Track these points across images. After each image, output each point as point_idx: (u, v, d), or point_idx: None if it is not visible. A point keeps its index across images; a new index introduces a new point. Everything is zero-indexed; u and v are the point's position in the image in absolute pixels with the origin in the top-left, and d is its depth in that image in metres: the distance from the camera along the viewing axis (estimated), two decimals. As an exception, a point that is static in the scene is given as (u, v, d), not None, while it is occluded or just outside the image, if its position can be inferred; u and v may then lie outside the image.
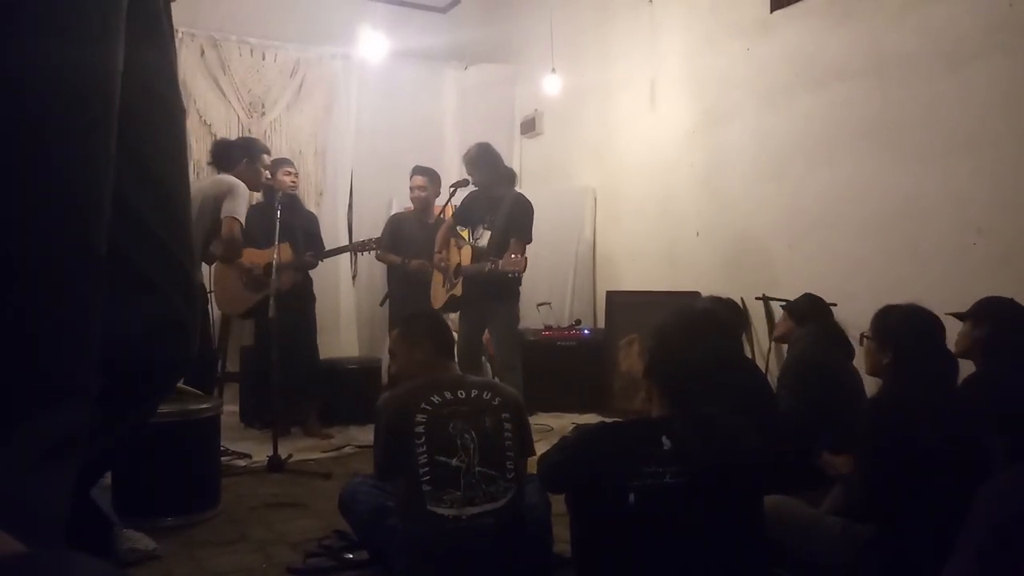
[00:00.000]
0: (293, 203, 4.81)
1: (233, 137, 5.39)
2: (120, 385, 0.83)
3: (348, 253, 5.47)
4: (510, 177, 4.61)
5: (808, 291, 3.50)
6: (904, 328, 2.30)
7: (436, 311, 4.42)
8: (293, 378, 4.40)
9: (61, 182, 0.66)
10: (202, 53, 5.81)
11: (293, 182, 4.87)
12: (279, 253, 4.16)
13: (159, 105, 0.90)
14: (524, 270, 4.04)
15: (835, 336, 3.13)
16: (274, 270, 4.11)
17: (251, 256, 4.41)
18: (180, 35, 5.69)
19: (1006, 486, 1.24)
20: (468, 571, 2.22)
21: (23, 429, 0.64)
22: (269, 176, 4.61)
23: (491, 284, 4.22)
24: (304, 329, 4.71)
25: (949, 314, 2.87)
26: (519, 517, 2.33)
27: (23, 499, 0.63)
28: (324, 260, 4.97)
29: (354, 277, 6.23)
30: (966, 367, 2.58)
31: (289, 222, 4.53)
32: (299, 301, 4.67)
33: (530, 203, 4.44)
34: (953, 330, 2.83)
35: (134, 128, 0.84)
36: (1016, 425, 2.11)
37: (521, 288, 4.48)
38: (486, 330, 4.49)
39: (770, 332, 4.26)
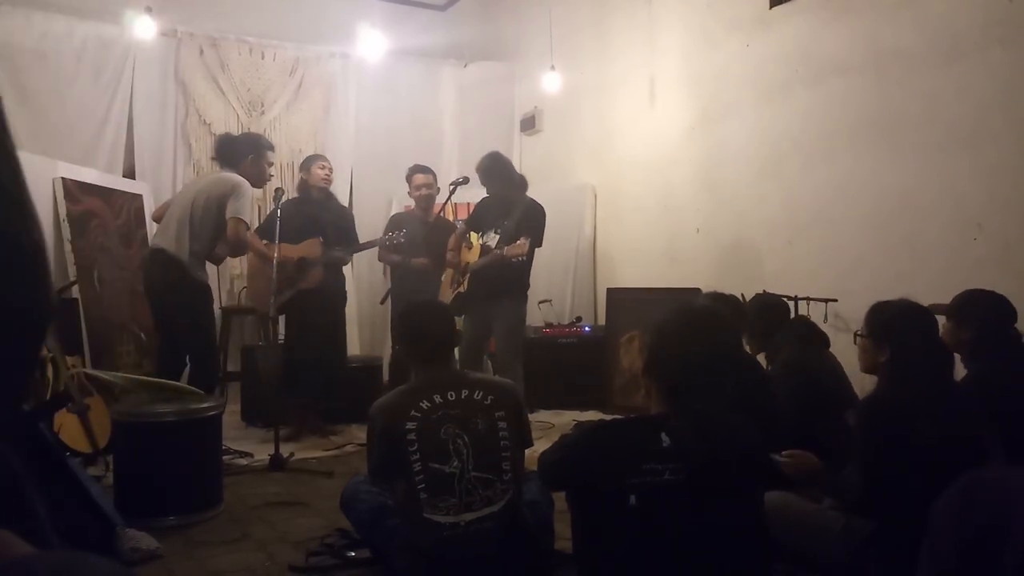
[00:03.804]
0: (327, 198, 4.81)
1: (232, 136, 5.39)
2: None
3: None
4: (523, 184, 4.59)
5: (766, 292, 3.44)
6: (901, 325, 2.29)
7: (438, 301, 4.38)
8: (320, 378, 4.41)
9: None
10: (201, 52, 5.81)
11: (327, 176, 4.84)
12: (279, 251, 4.12)
13: None
14: (524, 254, 4.04)
15: (796, 345, 3.11)
16: (274, 268, 4.08)
17: (285, 251, 4.29)
18: (178, 34, 5.69)
19: (964, 500, 1.21)
20: (469, 575, 2.21)
21: None
22: (278, 174, 4.61)
23: (497, 281, 4.20)
24: (334, 330, 4.69)
25: (931, 305, 2.86)
26: (519, 518, 2.31)
27: None
28: (352, 256, 4.96)
29: (384, 274, 6.16)
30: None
31: (317, 216, 4.50)
32: (331, 300, 4.66)
33: (543, 209, 4.42)
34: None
35: None
36: (1011, 421, 2.11)
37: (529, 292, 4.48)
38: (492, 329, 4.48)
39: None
